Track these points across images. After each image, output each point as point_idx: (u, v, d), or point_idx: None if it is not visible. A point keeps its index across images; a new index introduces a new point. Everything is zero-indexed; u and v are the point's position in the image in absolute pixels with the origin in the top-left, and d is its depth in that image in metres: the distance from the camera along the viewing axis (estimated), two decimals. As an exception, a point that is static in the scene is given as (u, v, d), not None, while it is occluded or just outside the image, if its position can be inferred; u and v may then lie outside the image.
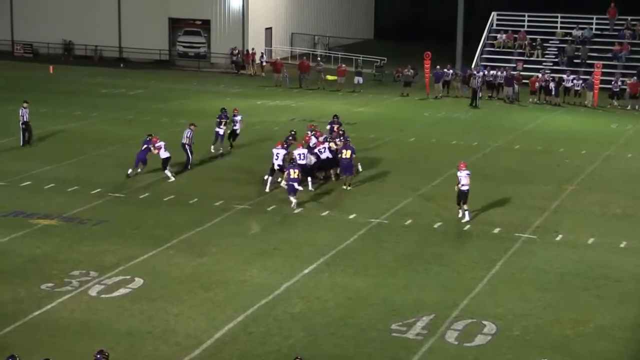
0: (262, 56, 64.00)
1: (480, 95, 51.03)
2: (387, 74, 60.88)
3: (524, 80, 52.99)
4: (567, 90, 52.05)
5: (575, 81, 52.12)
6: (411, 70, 55.51)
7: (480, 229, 27.41)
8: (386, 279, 23.01)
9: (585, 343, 19.49)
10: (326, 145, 31.98)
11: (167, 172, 32.25)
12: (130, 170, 32.49)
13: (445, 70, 54.12)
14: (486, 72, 53.17)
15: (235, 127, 37.14)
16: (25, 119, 37.64)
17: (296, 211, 28.81)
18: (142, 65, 65.68)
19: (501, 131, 42.91)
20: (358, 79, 55.76)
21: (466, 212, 28.04)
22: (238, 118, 37.17)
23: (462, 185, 27.74)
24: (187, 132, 33.83)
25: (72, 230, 26.58)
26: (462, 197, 27.87)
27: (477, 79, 51.16)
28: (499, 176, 33.92)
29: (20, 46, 69.50)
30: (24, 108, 37.75)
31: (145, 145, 32.51)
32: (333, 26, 76.34)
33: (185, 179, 32.61)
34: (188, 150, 33.72)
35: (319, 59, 61.66)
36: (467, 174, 27.89)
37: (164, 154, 32.28)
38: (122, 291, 21.84)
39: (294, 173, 29.05)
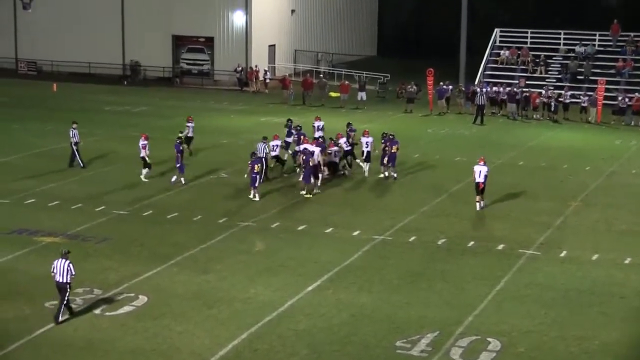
0: (265, 73, 64.12)
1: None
2: (391, 90, 60.94)
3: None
4: (565, 106, 52.06)
5: (582, 97, 52.20)
6: (414, 87, 55.58)
7: (484, 245, 27.40)
8: (390, 296, 22.98)
9: (590, 360, 19.46)
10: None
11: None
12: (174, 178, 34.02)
13: (445, 86, 54.16)
14: (489, 89, 53.26)
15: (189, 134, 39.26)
16: (76, 140, 36.98)
17: (255, 199, 31.85)
18: (145, 82, 65.80)
19: (505, 148, 42.93)
20: (361, 95, 55.84)
21: (480, 203, 31.18)
22: (191, 125, 39.56)
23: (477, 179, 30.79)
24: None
25: (76, 247, 26.49)
26: (477, 189, 31.20)
27: (482, 96, 51.18)
28: (503, 192, 33.88)
29: (24, 64, 69.73)
30: (74, 129, 37.12)
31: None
32: (336, 43, 76.54)
33: (189, 196, 32.64)
34: None
35: (321, 75, 61.73)
36: (483, 170, 31.07)
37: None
38: (126, 309, 21.83)
39: (257, 167, 31.84)
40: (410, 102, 54.87)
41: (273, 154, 35.46)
